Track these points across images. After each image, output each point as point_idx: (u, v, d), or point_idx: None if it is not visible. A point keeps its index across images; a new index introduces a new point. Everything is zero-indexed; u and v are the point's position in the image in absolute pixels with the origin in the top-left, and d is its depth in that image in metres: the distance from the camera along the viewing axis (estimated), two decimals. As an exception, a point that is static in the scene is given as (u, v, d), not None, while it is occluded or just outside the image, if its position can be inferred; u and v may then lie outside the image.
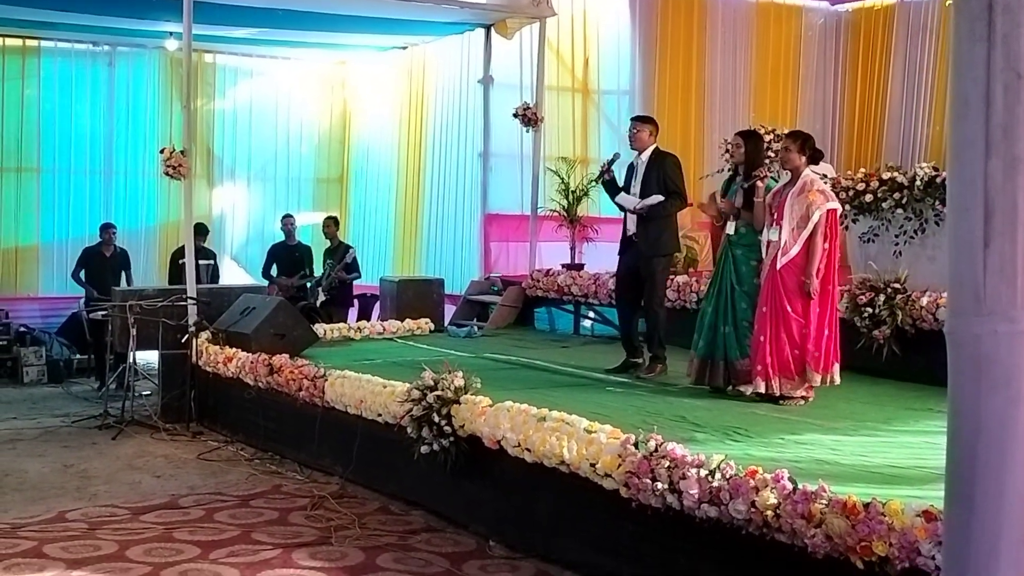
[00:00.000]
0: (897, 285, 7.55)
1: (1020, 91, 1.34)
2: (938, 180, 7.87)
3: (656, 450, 4.68)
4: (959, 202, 1.42)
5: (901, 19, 13.34)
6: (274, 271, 11.77)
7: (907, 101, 13.27)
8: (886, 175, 8.32)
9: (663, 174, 7.61)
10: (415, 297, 10.96)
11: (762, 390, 6.56)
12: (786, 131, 9.41)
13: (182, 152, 9.27)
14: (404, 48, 13.12)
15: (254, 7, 10.22)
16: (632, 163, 7.83)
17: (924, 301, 7.36)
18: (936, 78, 12.94)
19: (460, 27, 11.75)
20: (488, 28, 11.51)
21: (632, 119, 8.13)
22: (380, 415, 6.59)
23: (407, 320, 10.52)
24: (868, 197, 8.32)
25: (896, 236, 8.22)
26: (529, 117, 11.12)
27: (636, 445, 4.80)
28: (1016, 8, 1.35)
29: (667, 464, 4.59)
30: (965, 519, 1.46)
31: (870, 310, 7.54)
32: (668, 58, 12.63)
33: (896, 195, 8.18)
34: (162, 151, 9.43)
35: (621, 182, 7.89)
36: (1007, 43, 1.33)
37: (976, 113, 1.36)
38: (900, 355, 7.42)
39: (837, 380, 6.58)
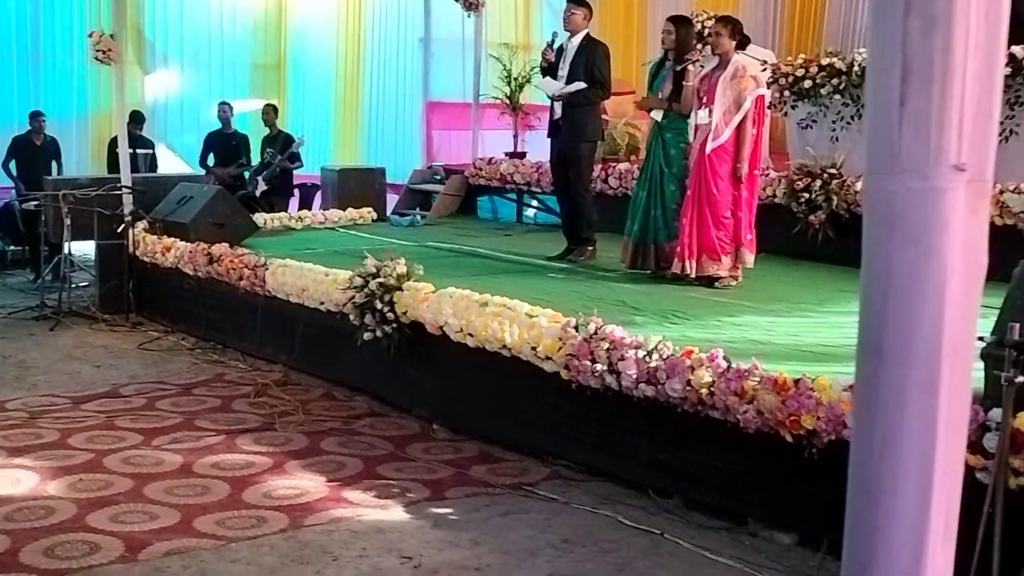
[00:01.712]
0: (833, 170, 7.63)
1: None
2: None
3: (596, 333, 4.77)
4: (878, 61, 1.45)
5: None
6: (211, 160, 11.57)
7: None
8: (825, 61, 8.33)
9: (591, 62, 7.57)
10: (357, 186, 10.86)
11: (678, 271, 6.66)
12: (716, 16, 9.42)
13: (111, 36, 8.99)
14: (341, -71, 12.77)
15: None
16: (562, 46, 7.76)
17: (859, 186, 7.45)
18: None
19: (399, -93, 11.45)
20: (428, -92, 11.23)
21: (568, 1, 8.02)
22: (322, 303, 6.59)
23: (349, 209, 10.44)
24: (807, 83, 8.34)
25: (834, 122, 8.28)
26: (471, 1, 10.91)
27: (576, 328, 4.88)
28: None
29: (606, 346, 4.68)
30: (874, 367, 1.52)
31: (807, 195, 7.63)
32: (612, -63, 12.41)
33: (835, 81, 8.20)
34: (91, 35, 9.13)
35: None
36: None
37: None
38: (835, 239, 7.54)
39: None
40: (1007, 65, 7.19)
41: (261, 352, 7.37)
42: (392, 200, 11.30)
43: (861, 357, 1.53)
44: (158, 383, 6.78)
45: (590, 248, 7.76)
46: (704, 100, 6.61)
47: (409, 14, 12.00)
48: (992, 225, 5.87)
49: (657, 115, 6.98)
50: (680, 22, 7.18)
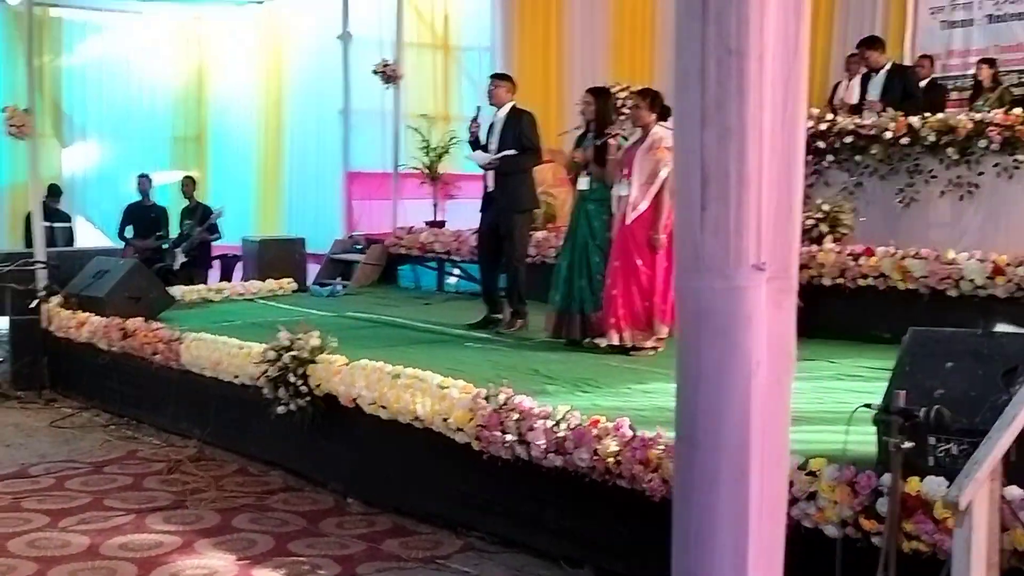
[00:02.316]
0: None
1: (731, 66, 1.45)
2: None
3: (505, 403, 4.81)
4: (682, 169, 1.54)
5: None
6: (129, 232, 11.49)
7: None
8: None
9: (519, 130, 7.71)
10: (277, 257, 10.86)
11: (615, 342, 6.75)
12: (637, 87, 9.65)
13: (26, 110, 8.94)
14: (260, 2, 12.86)
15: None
16: (491, 121, 7.89)
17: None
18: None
19: (318, -18, 11.60)
20: (346, -17, 11.39)
21: (491, 76, 8.23)
22: (237, 376, 6.55)
23: (269, 280, 10.41)
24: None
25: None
26: (389, 74, 11.06)
27: (487, 399, 4.91)
28: (729, -13, 1.46)
29: (516, 416, 4.72)
30: (690, 455, 1.59)
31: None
32: (527, 14, 12.68)
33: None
34: (4, 110, 9.07)
35: (484, 139, 7.96)
36: (720, 20, 1.44)
37: (694, 86, 1.47)
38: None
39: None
40: (905, 135, 7.51)
41: (176, 427, 7.28)
42: (313, 270, 11.29)
43: (680, 444, 1.61)
44: (69, 462, 6.64)
45: (520, 320, 7.79)
46: (625, 172, 6.74)
47: (328, 86, 12.09)
48: (895, 290, 6.04)
49: (582, 184, 7.09)
50: (599, 93, 7.34)
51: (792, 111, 1.51)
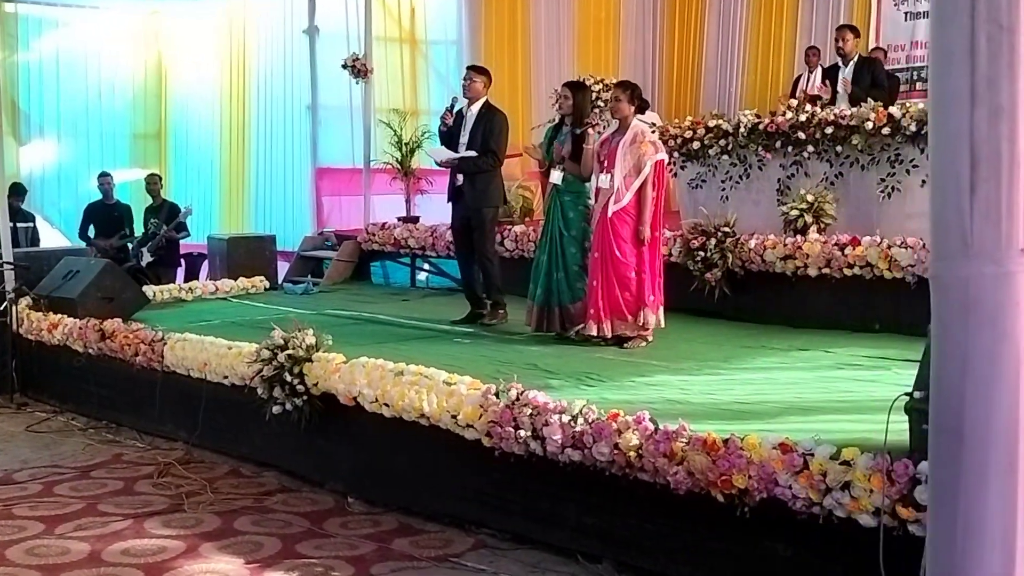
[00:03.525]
0: (727, 229, 7.84)
1: (1003, 42, 1.42)
2: (760, 127, 8.24)
3: (518, 399, 4.76)
4: (944, 151, 1.50)
5: (716, -29, 13.74)
6: (91, 231, 11.25)
7: (722, 52, 13.77)
8: (711, 123, 8.62)
9: (488, 131, 7.66)
10: (246, 255, 10.70)
11: (594, 332, 6.75)
12: (613, 81, 9.67)
13: (-14, 108, 8.71)
14: (223, -4, 12.66)
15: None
16: (462, 111, 7.83)
17: (752, 244, 7.68)
18: (748, 29, 13.45)
19: (282, -25, 11.43)
20: (312, -24, 11.25)
21: (468, 68, 8.16)
22: (226, 377, 6.43)
23: (240, 279, 10.26)
24: (695, 144, 8.61)
25: (723, 181, 8.55)
26: (359, 68, 10.94)
27: (497, 395, 4.86)
28: (998, -39, 1.42)
29: (529, 412, 4.67)
30: (955, 451, 1.56)
31: (702, 254, 7.81)
32: (494, 7, 12.66)
33: (722, 142, 8.49)
34: (-36, 108, 8.82)
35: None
36: None
37: (961, 65, 1.44)
38: (731, 295, 7.73)
39: (662, 323, 6.82)
40: (886, 125, 7.57)
41: (159, 430, 7.13)
42: (283, 268, 11.14)
43: (938, 439, 1.57)
44: (53, 467, 6.48)
45: (501, 311, 7.78)
46: (605, 164, 6.74)
47: (295, 82, 11.94)
48: (881, 279, 6.10)
49: (555, 178, 7.08)
50: (576, 88, 7.34)
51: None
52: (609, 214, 6.68)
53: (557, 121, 7.43)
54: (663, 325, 6.84)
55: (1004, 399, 1.53)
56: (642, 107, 7.47)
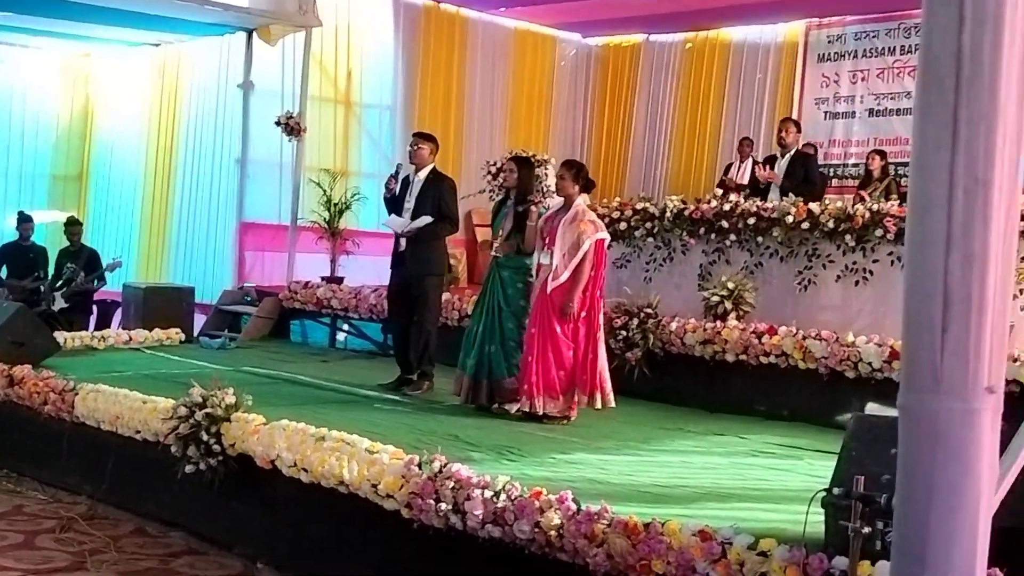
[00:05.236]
0: (649, 310, 7.98)
1: (978, 194, 1.54)
2: (686, 213, 8.45)
3: (441, 471, 4.75)
4: (919, 290, 1.61)
5: (646, 57, 14.15)
6: (3, 272, 10.97)
7: (649, 136, 14.13)
8: (639, 205, 8.82)
9: (438, 196, 7.71)
10: (163, 305, 10.50)
11: (526, 408, 6.78)
12: (549, 158, 9.86)
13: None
14: (157, 45, 12.56)
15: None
16: (407, 178, 7.87)
17: (673, 326, 7.84)
18: (675, 115, 13.83)
19: (220, 29, 11.39)
20: (250, 32, 11.24)
21: (414, 135, 8.18)
22: (139, 432, 6.30)
23: (155, 330, 10.05)
24: (622, 225, 8.78)
25: (647, 263, 8.72)
26: (292, 126, 10.94)
27: (420, 466, 4.85)
28: (977, 119, 1.54)
29: (452, 485, 4.66)
30: (917, 573, 1.63)
31: (624, 333, 7.93)
32: (430, 76, 12.82)
33: (648, 224, 8.68)
34: None
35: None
36: (969, 151, 1.53)
37: (938, 213, 1.56)
38: (650, 376, 7.85)
39: (612, 403, 6.84)
40: (805, 220, 7.83)
41: (63, 482, 6.93)
42: (200, 320, 10.97)
43: (901, 562, 1.65)
44: (-53, 516, 6.26)
45: (427, 383, 7.75)
46: (547, 241, 6.81)
47: (226, 134, 11.86)
48: (795, 368, 6.27)
49: (497, 250, 7.14)
50: (521, 163, 7.43)
51: (1010, 239, 1.62)
52: (548, 290, 6.74)
53: (503, 196, 7.51)
54: (612, 405, 6.85)
55: (966, 529, 1.63)
56: (587, 186, 7.54)
